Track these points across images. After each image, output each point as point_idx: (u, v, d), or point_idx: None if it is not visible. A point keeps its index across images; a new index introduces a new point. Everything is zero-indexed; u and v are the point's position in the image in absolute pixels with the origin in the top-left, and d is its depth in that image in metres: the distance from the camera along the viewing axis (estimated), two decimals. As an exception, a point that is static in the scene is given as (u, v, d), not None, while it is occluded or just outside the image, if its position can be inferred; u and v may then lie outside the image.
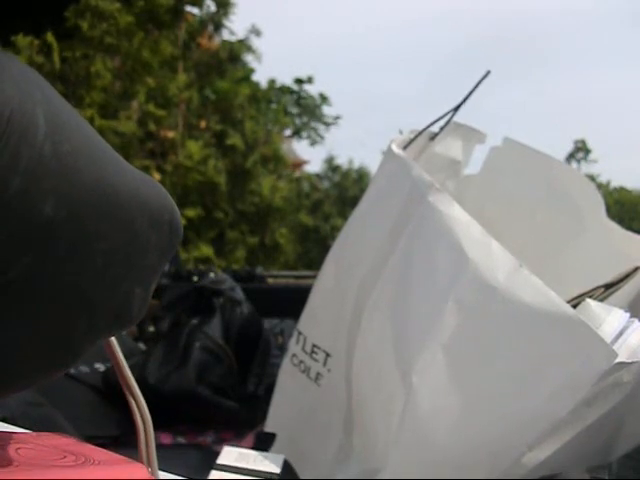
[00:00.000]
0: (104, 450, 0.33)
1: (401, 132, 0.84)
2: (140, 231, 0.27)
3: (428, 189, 0.72)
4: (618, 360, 0.58)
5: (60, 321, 0.25)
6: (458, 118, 0.95)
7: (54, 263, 0.24)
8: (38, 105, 0.23)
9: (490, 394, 0.65)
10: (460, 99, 0.88)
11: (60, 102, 0.25)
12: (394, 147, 0.80)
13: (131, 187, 0.27)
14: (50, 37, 7.02)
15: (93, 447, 0.33)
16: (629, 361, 0.59)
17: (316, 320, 0.86)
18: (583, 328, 0.60)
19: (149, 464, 0.37)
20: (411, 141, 0.85)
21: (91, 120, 7.25)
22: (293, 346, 0.89)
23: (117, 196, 0.26)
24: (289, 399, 0.92)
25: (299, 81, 14.51)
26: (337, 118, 14.97)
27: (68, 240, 0.24)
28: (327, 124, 14.85)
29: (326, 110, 14.88)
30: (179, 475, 0.44)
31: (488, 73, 0.89)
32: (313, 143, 14.76)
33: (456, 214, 0.70)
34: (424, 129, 0.88)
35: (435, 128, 0.91)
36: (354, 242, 0.84)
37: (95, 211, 0.25)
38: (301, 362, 0.87)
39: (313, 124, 14.71)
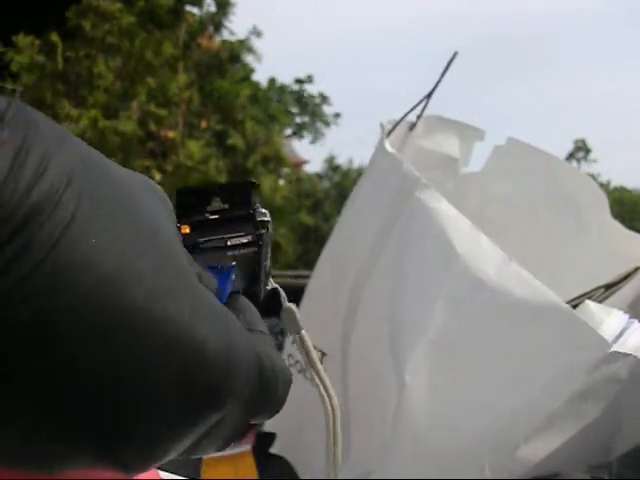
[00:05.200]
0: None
1: (382, 125, 0.85)
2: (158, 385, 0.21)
3: (415, 185, 0.72)
4: (613, 349, 0.58)
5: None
6: (458, 118, 0.95)
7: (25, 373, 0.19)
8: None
9: (484, 388, 0.65)
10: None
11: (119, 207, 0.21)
12: (386, 143, 0.80)
13: (179, 331, 0.21)
14: (54, 37, 7.02)
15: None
16: (623, 351, 0.59)
17: (311, 319, 0.87)
18: (573, 319, 0.60)
19: (335, 449, 0.39)
20: (389, 132, 0.86)
21: (95, 121, 7.26)
22: (289, 346, 0.89)
23: (134, 331, 0.20)
24: (287, 399, 0.92)
25: (299, 81, 14.53)
26: (337, 116, 14.99)
27: (39, 357, 0.19)
28: (327, 123, 14.87)
29: (326, 110, 14.91)
30: (179, 475, 0.44)
31: (456, 54, 0.89)
32: (314, 141, 14.78)
33: (444, 209, 0.70)
34: (401, 119, 0.88)
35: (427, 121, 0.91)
36: (347, 240, 0.84)
37: (89, 334, 0.19)
38: (297, 362, 0.88)
39: (313, 124, 14.73)
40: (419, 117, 0.90)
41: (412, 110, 0.89)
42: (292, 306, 0.37)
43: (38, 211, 0.19)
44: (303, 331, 0.37)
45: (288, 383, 0.28)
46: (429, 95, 0.88)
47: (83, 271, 0.19)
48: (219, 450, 0.26)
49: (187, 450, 0.24)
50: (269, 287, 0.35)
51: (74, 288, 0.19)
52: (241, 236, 0.32)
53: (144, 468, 0.22)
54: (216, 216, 0.31)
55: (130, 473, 0.22)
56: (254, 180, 0.33)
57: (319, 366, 0.38)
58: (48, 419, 0.20)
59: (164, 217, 0.23)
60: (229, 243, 0.31)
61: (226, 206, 0.32)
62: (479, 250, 0.67)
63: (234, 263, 0.31)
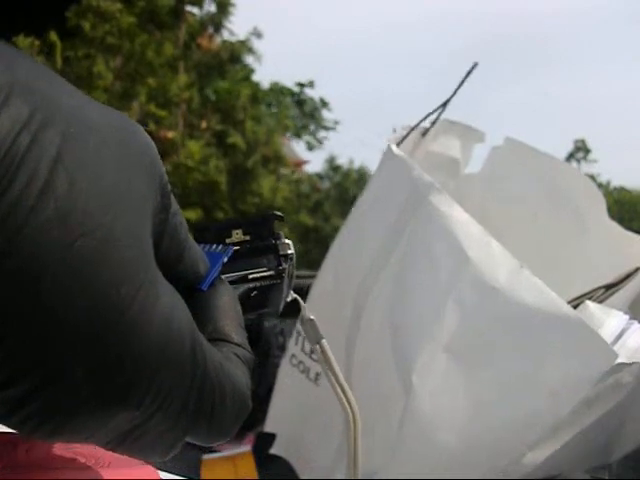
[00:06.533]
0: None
1: (395, 130, 0.84)
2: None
3: (429, 189, 0.72)
4: (618, 361, 0.59)
5: None
6: (459, 118, 0.95)
7: None
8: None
9: (490, 395, 0.65)
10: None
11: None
12: (394, 147, 0.80)
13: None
14: (53, 36, 7.02)
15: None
16: (629, 362, 0.60)
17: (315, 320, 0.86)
18: (584, 329, 0.60)
19: (355, 455, 0.39)
20: (404, 138, 0.85)
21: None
22: (292, 347, 0.89)
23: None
24: (288, 400, 0.92)
25: (300, 85, 14.57)
26: (336, 123, 15.05)
27: None
28: (327, 128, 14.93)
29: (326, 115, 14.98)
30: (179, 475, 0.44)
31: (475, 65, 0.89)
32: (311, 148, 14.82)
33: (456, 214, 0.70)
34: (416, 125, 0.88)
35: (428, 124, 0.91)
36: (353, 242, 0.84)
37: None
38: (300, 362, 0.87)
39: (312, 128, 14.80)
40: (433, 123, 0.90)
41: (426, 118, 0.88)
42: (313, 317, 0.37)
43: None
44: (324, 340, 0.37)
45: (242, 411, 0.26)
46: (445, 103, 0.88)
47: (10, 245, 0.18)
48: (157, 459, 0.25)
49: (108, 444, 0.23)
50: (289, 299, 0.34)
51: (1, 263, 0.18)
52: (263, 271, 0.31)
53: (42, 434, 0.21)
54: (237, 247, 0.30)
55: (27, 433, 0.21)
56: (279, 213, 0.32)
57: (340, 375, 0.38)
58: None
59: (126, 184, 0.21)
60: (250, 277, 0.31)
61: (247, 237, 0.31)
62: (490, 256, 0.66)
63: (232, 247, 0.30)
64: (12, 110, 0.19)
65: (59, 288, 0.19)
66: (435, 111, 0.89)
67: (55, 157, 0.19)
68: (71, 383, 0.20)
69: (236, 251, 0.30)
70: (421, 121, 0.88)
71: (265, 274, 0.31)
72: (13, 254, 0.18)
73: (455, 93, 0.88)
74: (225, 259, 0.28)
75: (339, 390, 0.39)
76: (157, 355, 0.21)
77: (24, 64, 0.20)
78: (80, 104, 0.21)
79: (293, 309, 0.36)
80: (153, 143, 0.24)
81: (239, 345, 0.26)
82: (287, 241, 0.32)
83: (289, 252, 0.31)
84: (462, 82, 0.88)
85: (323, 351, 0.37)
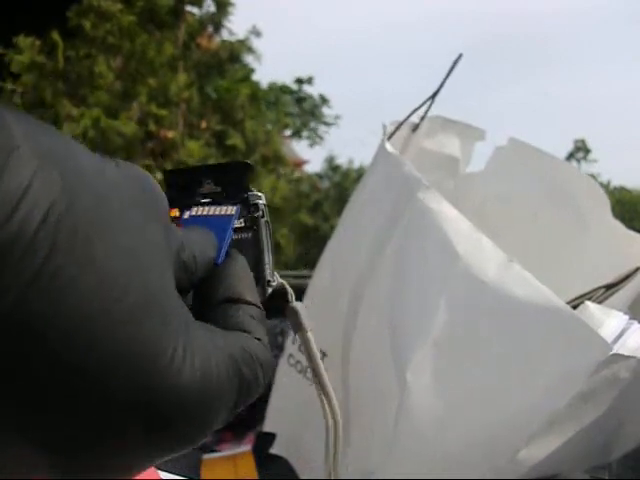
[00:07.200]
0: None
1: (384, 126, 0.84)
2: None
3: (417, 186, 0.72)
4: (613, 352, 0.59)
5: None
6: (459, 118, 0.95)
7: None
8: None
9: (485, 389, 0.65)
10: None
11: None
12: (387, 144, 0.80)
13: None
14: (55, 36, 7.01)
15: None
16: (624, 354, 0.59)
17: (312, 319, 0.86)
18: (575, 321, 0.60)
19: (334, 463, 0.39)
20: (392, 134, 0.85)
21: (97, 121, 7.26)
22: (290, 346, 0.89)
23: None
24: (287, 399, 0.92)
25: (299, 81, 14.57)
26: (337, 118, 15.05)
27: None
28: (327, 124, 14.93)
29: (326, 111, 14.97)
30: (179, 475, 0.44)
31: (460, 56, 0.89)
32: (312, 144, 14.81)
33: (445, 210, 0.70)
34: (404, 120, 0.88)
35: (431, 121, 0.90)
36: (348, 241, 0.84)
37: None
38: (298, 362, 0.88)
39: (313, 125, 14.78)
40: (422, 118, 0.90)
41: (415, 111, 0.88)
42: (297, 305, 0.36)
43: (5, 253, 0.18)
44: (309, 333, 0.36)
45: (269, 372, 0.26)
46: (433, 96, 0.88)
47: (54, 317, 0.18)
48: None
49: None
50: (275, 283, 0.33)
51: (45, 334, 0.18)
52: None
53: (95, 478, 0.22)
54: (208, 199, 0.29)
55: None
56: (249, 162, 0.30)
57: (321, 368, 0.38)
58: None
59: (151, 241, 0.22)
60: None
61: (218, 189, 0.30)
62: (480, 251, 0.67)
63: (236, 208, 0.29)
64: (45, 180, 0.19)
65: (99, 355, 0.19)
66: (422, 105, 0.89)
67: (89, 226, 0.19)
68: (124, 441, 0.21)
69: (206, 202, 0.29)
70: (409, 116, 0.88)
71: (238, 226, 0.30)
72: (56, 324, 0.19)
73: (441, 86, 0.88)
74: (235, 223, 0.28)
75: (318, 383, 0.38)
76: (200, 408, 0.22)
77: (47, 134, 0.20)
78: (100, 165, 0.21)
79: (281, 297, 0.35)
80: (159, 187, 0.24)
81: (251, 304, 0.27)
82: (258, 193, 0.30)
83: (260, 202, 0.30)
84: (448, 74, 0.88)
85: (306, 342, 0.37)
